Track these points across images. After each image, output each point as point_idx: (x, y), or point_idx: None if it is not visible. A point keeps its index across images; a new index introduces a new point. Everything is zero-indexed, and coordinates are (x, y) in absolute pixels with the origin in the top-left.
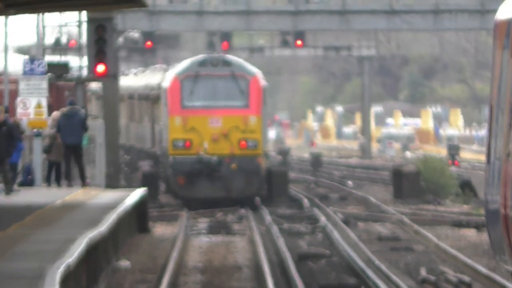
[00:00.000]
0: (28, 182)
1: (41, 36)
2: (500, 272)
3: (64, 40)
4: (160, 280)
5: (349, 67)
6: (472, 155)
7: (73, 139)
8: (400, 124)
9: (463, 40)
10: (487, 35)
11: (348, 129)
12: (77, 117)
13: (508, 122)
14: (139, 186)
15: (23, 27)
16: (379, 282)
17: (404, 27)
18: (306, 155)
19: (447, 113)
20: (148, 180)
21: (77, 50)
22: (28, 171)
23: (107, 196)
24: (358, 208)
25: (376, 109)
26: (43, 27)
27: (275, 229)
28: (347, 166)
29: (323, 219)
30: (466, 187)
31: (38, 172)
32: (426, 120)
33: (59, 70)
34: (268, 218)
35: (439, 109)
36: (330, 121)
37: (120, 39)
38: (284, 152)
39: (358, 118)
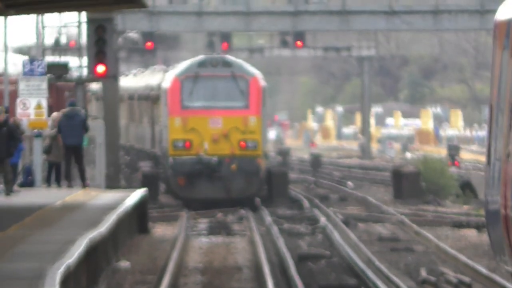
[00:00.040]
0: (28, 182)
1: (41, 37)
2: (500, 273)
3: (64, 40)
4: (160, 281)
5: (349, 67)
6: (472, 155)
7: (73, 140)
8: (400, 125)
9: (463, 40)
10: (487, 35)
11: (348, 130)
12: (78, 118)
13: (508, 122)
14: (139, 187)
15: (23, 28)
16: (379, 282)
17: (403, 28)
18: (306, 155)
19: (447, 114)
20: (148, 181)
21: (77, 50)
22: (28, 171)
23: (107, 196)
24: (358, 209)
25: (376, 109)
26: (43, 27)
27: (275, 229)
28: (347, 166)
29: (323, 219)
30: (466, 188)
31: (38, 172)
32: (426, 121)
33: (59, 71)
34: (268, 218)
35: (439, 109)
36: (330, 122)
37: (119, 40)
38: (284, 153)
39: (358, 118)
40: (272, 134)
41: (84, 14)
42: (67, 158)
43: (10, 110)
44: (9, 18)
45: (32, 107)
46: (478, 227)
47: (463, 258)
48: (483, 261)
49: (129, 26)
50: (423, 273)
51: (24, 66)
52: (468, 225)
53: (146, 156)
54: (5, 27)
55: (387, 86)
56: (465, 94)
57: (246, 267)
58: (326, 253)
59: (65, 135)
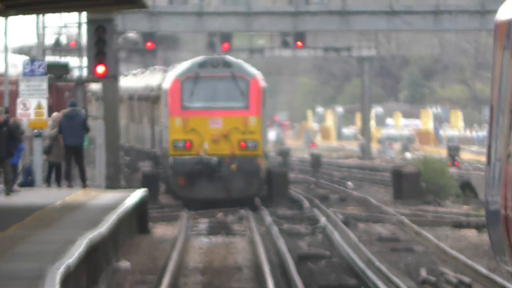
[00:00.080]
0: (29, 182)
1: (41, 37)
2: (501, 273)
3: (64, 41)
4: (160, 281)
5: (349, 67)
6: (472, 156)
7: (74, 140)
8: (400, 125)
9: (463, 40)
10: (487, 35)
11: (348, 130)
12: (78, 118)
13: (509, 123)
14: (139, 187)
15: (23, 28)
16: (379, 283)
17: (404, 28)
18: (306, 156)
19: (447, 114)
20: (148, 181)
21: (77, 51)
22: (28, 172)
23: (107, 197)
24: (358, 209)
25: (376, 110)
26: (43, 28)
27: (275, 229)
28: (347, 167)
29: (323, 220)
30: (466, 188)
31: (39, 173)
32: (426, 121)
33: (59, 71)
34: (268, 218)
35: (439, 110)
36: (330, 122)
37: (119, 40)
38: (284, 153)
39: (358, 119)
40: (272, 134)
41: (84, 15)
42: (68, 159)
43: (10, 110)
44: (9, 18)
45: (32, 108)
46: (478, 227)
47: (463, 258)
48: (483, 261)
49: (129, 26)
50: (423, 273)
51: (24, 66)
52: (468, 226)
53: (146, 156)
54: (6, 27)
55: (387, 87)
56: (465, 95)
57: (246, 267)
58: (326, 253)
59: (65, 136)
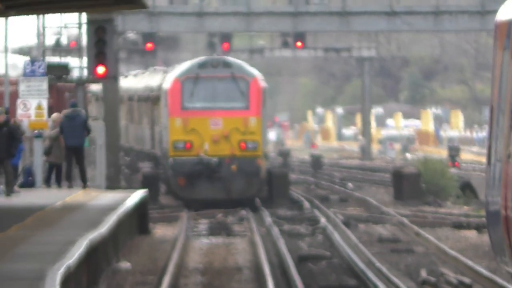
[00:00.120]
0: (29, 183)
1: (41, 38)
2: (501, 274)
3: (64, 41)
4: (160, 281)
5: (349, 68)
6: (473, 156)
7: (75, 141)
8: (400, 126)
9: (464, 41)
10: (487, 36)
11: (348, 131)
12: (79, 119)
13: (509, 123)
14: (139, 188)
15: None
16: (379, 283)
17: (404, 28)
18: (306, 156)
19: (448, 115)
20: (148, 182)
21: (78, 51)
22: (29, 172)
23: (107, 197)
24: (358, 210)
25: (376, 110)
26: (44, 28)
27: (275, 230)
28: (347, 167)
29: (323, 220)
30: (467, 189)
31: (39, 173)
32: (426, 122)
33: (59, 72)
34: (268, 219)
35: (439, 110)
36: (330, 123)
37: (119, 40)
38: (284, 154)
39: (358, 119)
40: (272, 135)
41: (84, 15)
42: (68, 159)
43: (10, 111)
44: (10, 18)
45: (32, 108)
46: (479, 228)
47: (463, 259)
48: (484, 262)
49: (129, 27)
50: (423, 274)
51: (24, 67)
52: (468, 226)
53: (146, 157)
54: (6, 28)
55: (387, 87)
56: (465, 95)
57: (246, 268)
58: (327, 254)
59: (66, 136)
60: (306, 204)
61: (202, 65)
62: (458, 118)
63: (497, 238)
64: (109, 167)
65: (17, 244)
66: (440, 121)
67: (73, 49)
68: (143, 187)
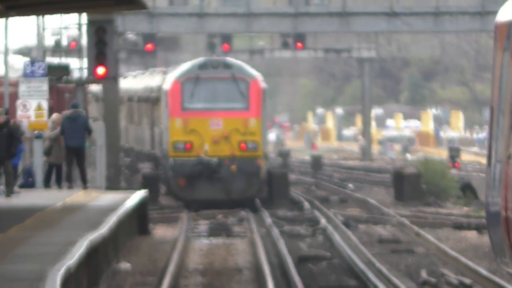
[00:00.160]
0: (29, 184)
1: (41, 38)
2: (501, 274)
3: (64, 42)
4: (160, 282)
5: (350, 69)
6: (473, 157)
7: (75, 141)
8: (400, 126)
9: (464, 42)
10: (487, 37)
11: (348, 131)
12: (80, 120)
13: (509, 124)
14: (139, 188)
15: (23, 29)
16: (379, 284)
17: (404, 29)
18: (306, 157)
19: (448, 115)
20: (148, 182)
21: (78, 52)
22: (29, 173)
23: (107, 198)
24: (358, 210)
25: (376, 111)
26: (44, 29)
27: (275, 231)
28: (347, 168)
29: (323, 221)
30: (467, 189)
31: (39, 174)
32: (426, 122)
33: (59, 72)
34: (268, 220)
35: (439, 111)
36: (330, 123)
37: (119, 41)
38: (284, 154)
39: (358, 120)
40: (272, 135)
41: (84, 16)
42: (69, 160)
43: (10, 111)
44: (10, 19)
45: (32, 109)
46: (479, 229)
47: (463, 259)
48: (484, 262)
49: (129, 27)
50: (424, 274)
51: (24, 67)
52: (468, 227)
53: (146, 157)
54: (6, 28)
55: (387, 88)
56: (465, 96)
57: (246, 268)
58: (327, 254)
59: (67, 137)
60: (306, 205)
61: (202, 66)
62: (458, 119)
63: (497, 239)
64: (109, 168)
65: (17, 245)
66: (440, 122)
67: (73, 50)
68: (143, 188)
